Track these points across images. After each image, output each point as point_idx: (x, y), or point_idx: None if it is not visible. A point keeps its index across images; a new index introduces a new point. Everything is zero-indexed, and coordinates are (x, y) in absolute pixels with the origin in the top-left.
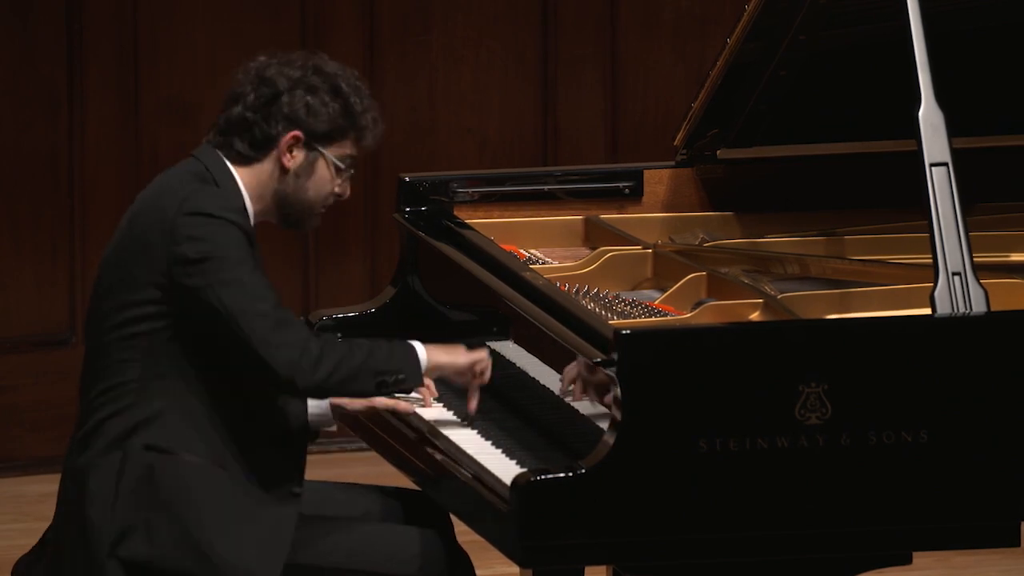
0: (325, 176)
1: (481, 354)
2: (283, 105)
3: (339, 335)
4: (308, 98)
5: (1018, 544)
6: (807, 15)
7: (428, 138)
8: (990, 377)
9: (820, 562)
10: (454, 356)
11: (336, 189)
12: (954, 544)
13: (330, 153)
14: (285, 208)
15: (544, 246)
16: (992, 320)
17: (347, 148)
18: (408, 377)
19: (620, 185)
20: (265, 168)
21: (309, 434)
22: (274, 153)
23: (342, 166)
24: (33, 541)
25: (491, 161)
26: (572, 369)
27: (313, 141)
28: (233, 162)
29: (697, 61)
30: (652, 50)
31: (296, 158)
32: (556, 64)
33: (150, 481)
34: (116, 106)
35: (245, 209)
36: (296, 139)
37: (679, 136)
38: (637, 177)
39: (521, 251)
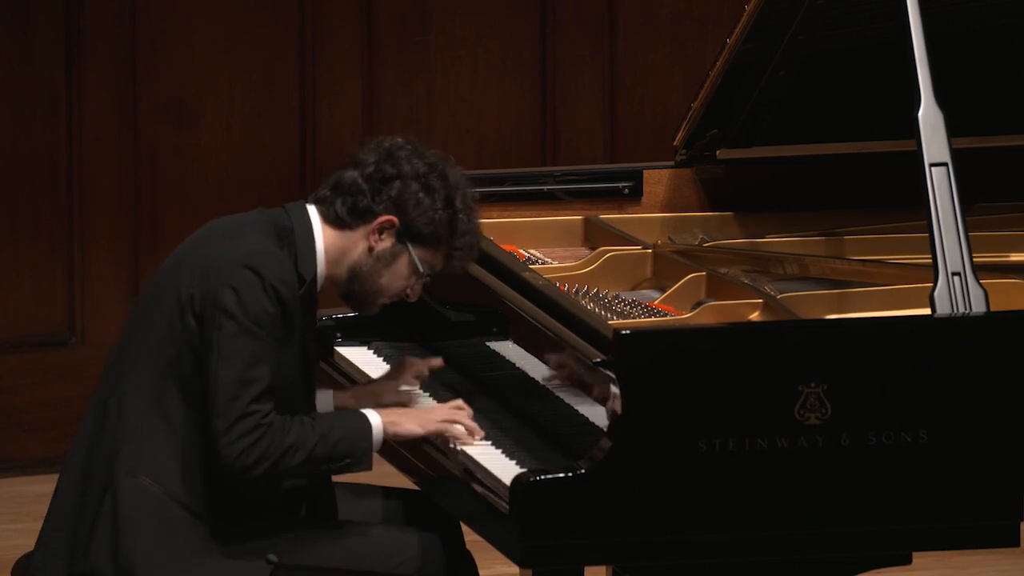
0: (402, 271)
1: (443, 410)
2: (396, 188)
3: (339, 336)
4: (421, 194)
5: (1018, 544)
6: (806, 15)
7: (427, 139)
8: (990, 377)
9: (820, 562)
10: (418, 422)
11: (408, 289)
12: (954, 544)
13: (416, 253)
14: (353, 283)
15: (544, 246)
16: (992, 320)
17: (434, 258)
18: (355, 462)
19: (619, 185)
20: (353, 238)
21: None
22: (366, 228)
23: (421, 269)
24: (32, 541)
25: (490, 162)
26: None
27: (405, 235)
28: (326, 221)
29: (696, 62)
30: (651, 51)
31: (383, 242)
32: (555, 65)
33: (114, 502)
34: (115, 106)
35: (315, 278)
36: (391, 224)
37: (678, 136)
38: (636, 177)
39: (521, 251)
